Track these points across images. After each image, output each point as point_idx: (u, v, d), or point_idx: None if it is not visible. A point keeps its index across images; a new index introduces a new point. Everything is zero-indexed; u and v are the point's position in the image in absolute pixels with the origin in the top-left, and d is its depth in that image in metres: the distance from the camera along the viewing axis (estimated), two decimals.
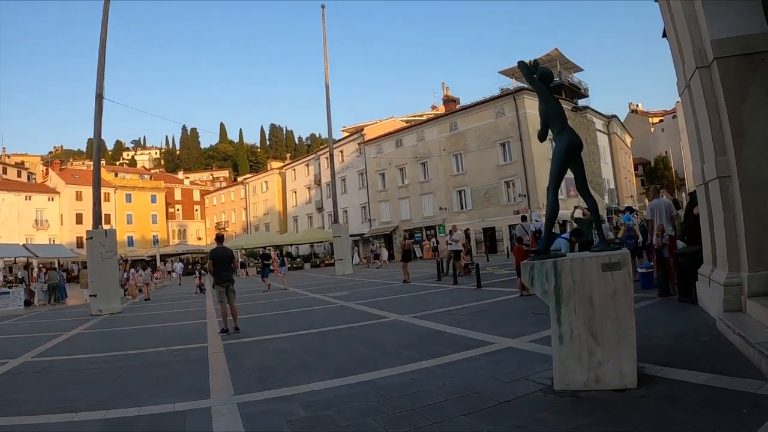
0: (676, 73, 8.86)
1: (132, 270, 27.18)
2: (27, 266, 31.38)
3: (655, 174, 74.07)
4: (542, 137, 6.09)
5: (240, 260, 53.54)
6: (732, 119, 6.67)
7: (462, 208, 47.52)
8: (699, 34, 7.35)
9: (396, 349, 7.68)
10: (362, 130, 59.86)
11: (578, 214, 15.18)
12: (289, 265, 50.89)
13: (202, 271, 25.86)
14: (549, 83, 5.97)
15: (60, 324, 16.13)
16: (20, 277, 30.24)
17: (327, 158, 58.41)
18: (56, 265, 33.33)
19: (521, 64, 6.00)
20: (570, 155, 5.63)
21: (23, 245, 33.21)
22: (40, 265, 31.77)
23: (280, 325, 11.77)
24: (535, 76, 5.90)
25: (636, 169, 77.80)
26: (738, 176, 6.64)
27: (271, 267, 40.56)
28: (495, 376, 5.73)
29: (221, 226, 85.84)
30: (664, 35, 10.11)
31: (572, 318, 4.97)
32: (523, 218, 19.44)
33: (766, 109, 6.55)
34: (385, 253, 43.67)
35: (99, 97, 19.82)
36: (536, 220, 21.76)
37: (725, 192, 6.95)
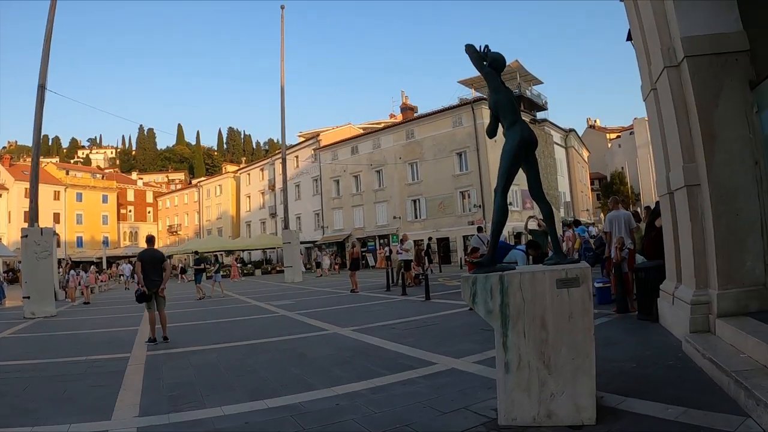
0: (641, 77, 8.32)
1: (72, 272, 25.58)
2: None
3: (611, 189, 75.17)
4: (492, 132, 5.37)
5: (180, 265, 52.10)
6: (702, 122, 6.09)
7: (416, 217, 46.92)
8: (668, 32, 6.80)
9: (328, 367, 6.98)
10: (318, 135, 58.87)
11: (533, 224, 14.62)
12: (241, 271, 49.68)
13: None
14: (500, 70, 5.24)
15: None
16: None
17: (281, 163, 57.75)
18: None
19: (469, 47, 5.27)
20: (521, 152, 4.92)
21: None
22: None
23: (212, 335, 11.07)
24: (485, 62, 5.17)
25: (592, 183, 79.00)
26: (708, 184, 6.04)
27: (229, 273, 39.31)
28: (432, 404, 4.97)
29: (174, 229, 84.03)
30: (629, 38, 9.60)
31: (521, 343, 4.23)
32: (480, 229, 19.04)
33: (739, 114, 6.01)
34: (326, 262, 42.67)
35: (41, 88, 18.87)
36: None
37: (693, 202, 6.36)
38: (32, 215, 18.65)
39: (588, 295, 4.19)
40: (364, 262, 48.08)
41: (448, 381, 5.87)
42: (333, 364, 7.12)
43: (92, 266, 32.40)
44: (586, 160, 72.10)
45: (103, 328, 13.68)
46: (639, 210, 18.12)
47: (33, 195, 19.06)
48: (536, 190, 5.11)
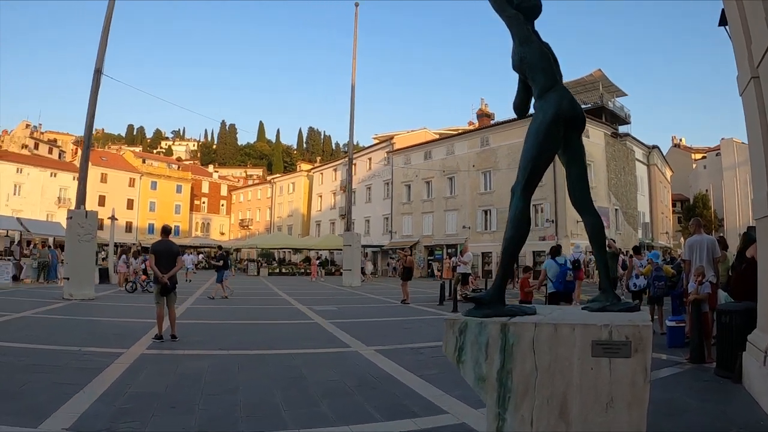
0: (737, 64, 6.59)
1: (123, 257, 25.47)
2: (19, 241, 30.15)
3: (693, 212, 70.02)
4: (522, 107, 3.93)
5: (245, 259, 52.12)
6: None
7: (486, 228, 44.95)
8: None
9: (318, 399, 5.80)
10: (392, 138, 57.88)
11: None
12: (302, 270, 49.22)
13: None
14: (533, 18, 3.83)
15: (19, 304, 15.02)
16: (11, 250, 28.99)
17: (355, 164, 57.12)
18: (51, 243, 31.94)
19: None
20: (558, 132, 3.50)
21: (17, 218, 32.05)
22: (30, 241, 30.36)
23: (226, 339, 10.18)
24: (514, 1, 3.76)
25: (674, 205, 74.26)
26: None
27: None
28: None
29: (245, 223, 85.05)
30: (722, 23, 7.87)
31: None
32: (555, 250, 13.02)
33: None
34: (370, 267, 41.63)
35: (98, 72, 18.78)
36: (577, 250, 18.78)
37: None
38: (79, 198, 18.53)
39: (643, 372, 2.68)
40: (429, 271, 46.83)
41: None
42: (326, 396, 5.94)
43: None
44: (669, 180, 67.89)
45: (125, 318, 13.08)
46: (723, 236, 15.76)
47: (82, 178, 18.95)
48: (579, 195, 3.70)
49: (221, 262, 19.79)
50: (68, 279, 17.44)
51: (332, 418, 5.10)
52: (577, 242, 35.09)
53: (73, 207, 19.10)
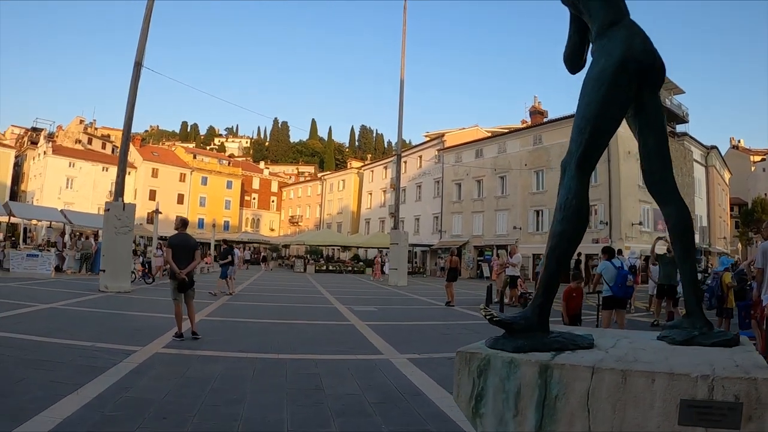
0: None
1: (159, 250, 25.32)
2: (63, 232, 30.50)
3: (752, 217, 66.23)
4: (573, 58, 2.99)
5: (263, 254, 51.92)
6: None
7: (537, 229, 43.35)
8: None
9: (330, 418, 5.02)
10: (443, 136, 56.76)
11: (661, 248, 11.60)
12: (349, 268, 48.68)
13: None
14: None
15: (53, 295, 14.99)
16: (53, 241, 29.38)
17: (405, 161, 56.19)
18: (96, 235, 32.28)
19: None
20: (625, 85, 2.54)
21: (60, 210, 32.51)
22: (82, 233, 30.69)
23: (249, 339, 9.66)
24: None
25: (731, 209, 70.60)
26: None
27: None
28: None
29: (295, 220, 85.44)
30: None
31: None
32: (609, 251, 11.96)
33: None
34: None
35: (137, 65, 18.67)
36: (632, 256, 17.57)
37: None
38: (117, 190, 18.48)
39: None
40: (479, 271, 45.64)
41: None
42: (341, 414, 5.16)
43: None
44: (727, 182, 64.51)
45: (153, 313, 12.78)
46: None
47: (120, 170, 18.85)
48: (659, 176, 2.73)
49: (228, 258, 18.78)
50: (104, 271, 17.29)
51: None
52: (632, 246, 33.49)
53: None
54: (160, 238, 28.07)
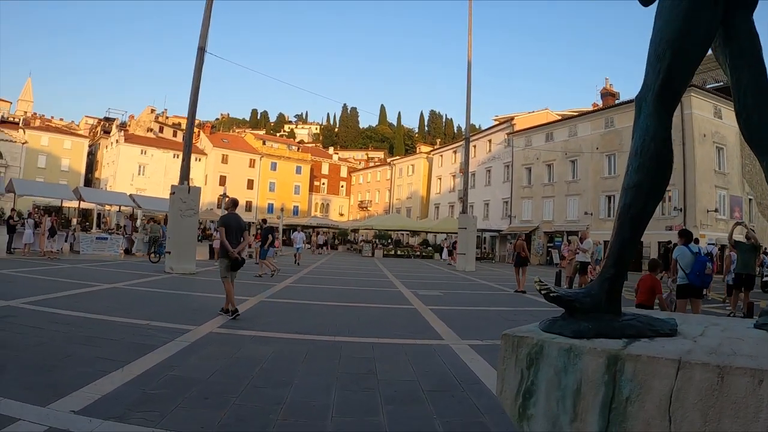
0: None
1: (217, 233, 25.80)
2: (131, 216, 31.63)
3: None
4: None
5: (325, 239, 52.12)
6: None
7: (609, 215, 41.39)
8: None
9: (379, 405, 4.69)
10: (512, 120, 55.27)
11: (739, 234, 10.67)
12: (417, 253, 48.29)
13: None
14: None
15: (119, 275, 15.45)
16: (122, 225, 30.46)
17: (474, 146, 55.11)
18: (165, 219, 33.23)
19: None
20: (710, 4, 2.03)
21: (129, 195, 33.59)
22: (153, 218, 31.65)
23: (306, 321, 9.45)
24: None
25: None
26: None
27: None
28: None
29: (364, 205, 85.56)
30: None
31: None
32: (685, 235, 10.57)
33: None
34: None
35: (201, 50, 18.85)
36: (710, 243, 16.55)
37: None
38: (183, 173, 18.69)
39: None
40: (548, 258, 44.38)
41: None
42: (391, 401, 4.83)
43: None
44: None
45: (215, 293, 12.59)
46: None
47: (186, 155, 19.21)
48: (758, 120, 2.13)
49: (270, 237, 18.69)
50: (170, 253, 17.67)
51: None
52: (707, 234, 31.38)
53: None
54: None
